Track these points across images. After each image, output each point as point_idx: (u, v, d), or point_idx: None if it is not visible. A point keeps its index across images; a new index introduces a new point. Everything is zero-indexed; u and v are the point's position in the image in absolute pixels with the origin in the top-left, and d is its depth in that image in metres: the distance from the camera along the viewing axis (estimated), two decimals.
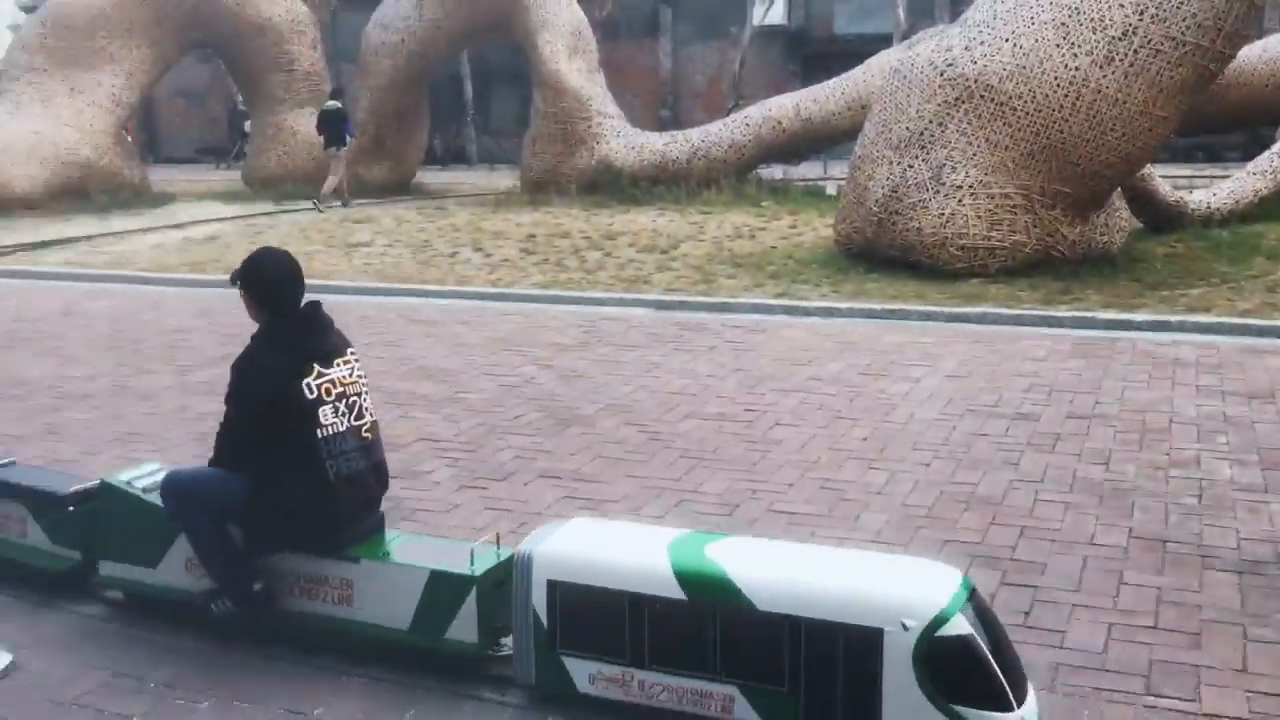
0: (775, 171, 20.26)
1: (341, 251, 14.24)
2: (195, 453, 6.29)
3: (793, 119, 18.19)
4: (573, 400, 7.27)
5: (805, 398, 7.20)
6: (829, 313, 9.89)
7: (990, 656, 3.10)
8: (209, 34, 22.26)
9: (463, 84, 31.88)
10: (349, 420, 4.01)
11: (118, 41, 20.54)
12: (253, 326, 4.18)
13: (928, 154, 10.96)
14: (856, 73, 18.17)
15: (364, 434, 4.07)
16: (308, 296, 4.28)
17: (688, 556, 3.45)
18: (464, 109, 32.22)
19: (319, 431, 3.91)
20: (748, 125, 18.57)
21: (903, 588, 3.20)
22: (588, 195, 18.50)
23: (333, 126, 19.74)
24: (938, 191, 10.84)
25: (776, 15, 30.38)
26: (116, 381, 8.00)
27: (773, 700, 3.29)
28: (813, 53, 31.31)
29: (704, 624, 3.34)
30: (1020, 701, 3.09)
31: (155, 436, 6.61)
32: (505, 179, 22.88)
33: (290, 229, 16.57)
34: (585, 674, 3.52)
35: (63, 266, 13.64)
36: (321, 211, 18.72)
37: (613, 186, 18.50)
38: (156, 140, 37.84)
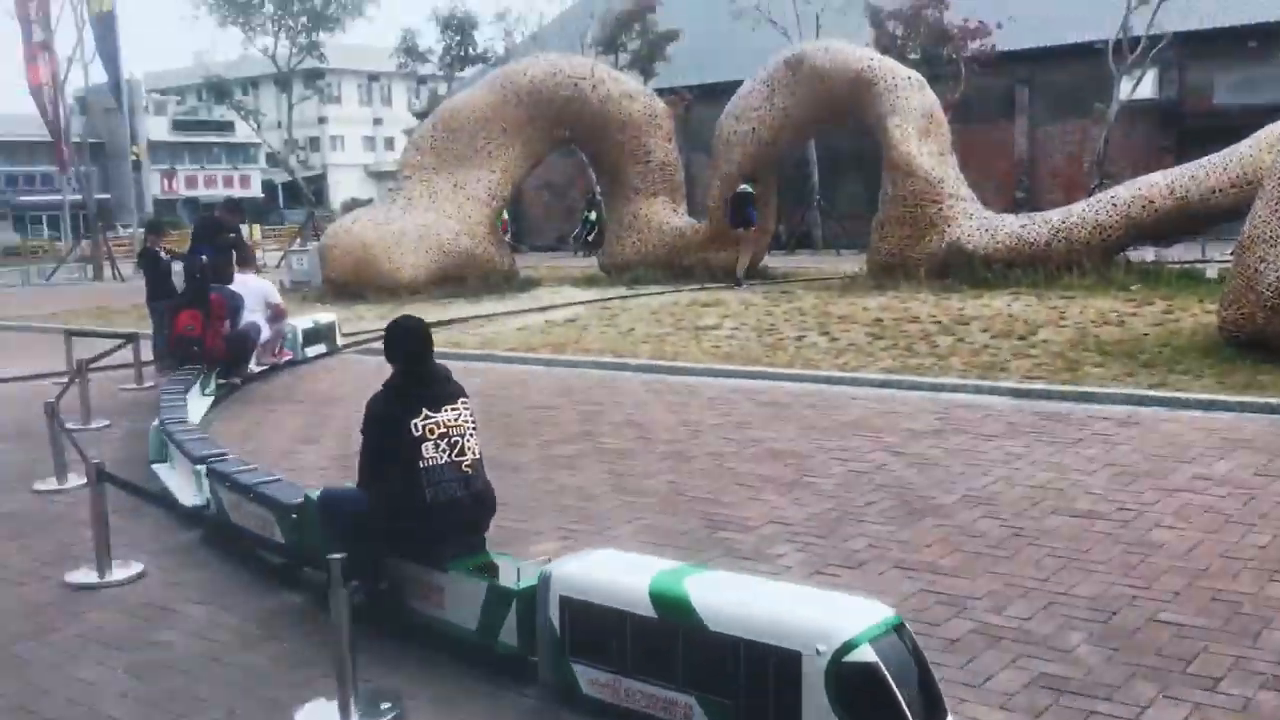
0: (1145, 254, 18.94)
1: (690, 334, 14.63)
2: (557, 522, 6.59)
3: (1166, 198, 16.96)
4: (927, 489, 7.00)
5: (1189, 498, 6.55)
6: (1213, 406, 9.00)
7: (896, 686, 3.44)
8: (575, 130, 23.87)
9: (809, 169, 32.25)
10: (449, 455, 4.88)
11: (495, 141, 22.43)
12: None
13: None
14: (1243, 147, 16.71)
15: (464, 468, 4.94)
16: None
17: (665, 582, 4.01)
18: (810, 194, 32.54)
19: (420, 463, 4.81)
20: (1114, 205, 17.49)
21: (827, 618, 3.63)
22: (937, 279, 18.05)
23: (739, 209, 21.15)
24: None
25: (1146, 89, 28.65)
26: (487, 454, 8.52)
27: (722, 711, 3.74)
28: (1188, 128, 29.22)
29: (671, 640, 3.86)
30: None
31: (521, 506, 6.97)
32: (851, 263, 22.81)
33: (641, 311, 17.26)
34: (587, 678, 4.13)
35: (441, 346, 14.80)
36: (740, 287, 20.33)
37: (964, 270, 17.95)
38: (522, 229, 40.84)
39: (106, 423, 10.32)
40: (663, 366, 12.34)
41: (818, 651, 3.49)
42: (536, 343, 14.55)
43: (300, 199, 40.35)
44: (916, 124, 19.05)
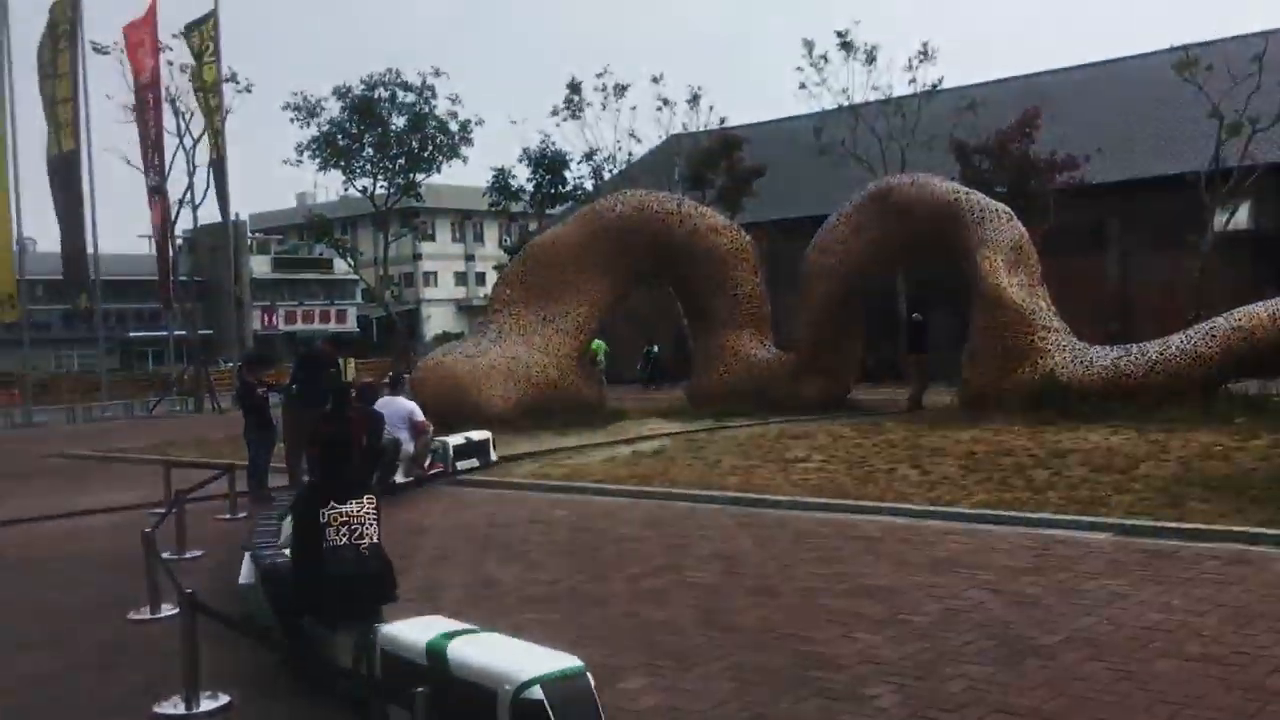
0: (1249, 386, 18.39)
1: (779, 466, 14.48)
2: (643, 658, 6.46)
3: (1268, 328, 16.54)
4: (1027, 629, 6.73)
5: None
6: None
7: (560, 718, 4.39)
8: (662, 264, 24.25)
9: (896, 300, 32.20)
10: (349, 539, 6.01)
11: (584, 275, 22.88)
12: None
13: None
14: None
15: (362, 550, 6.04)
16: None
17: (437, 640, 5.11)
18: (897, 325, 32.39)
19: (324, 544, 5.98)
20: (1214, 336, 17.10)
21: (518, 664, 4.64)
22: (1030, 412, 17.69)
23: (916, 336, 23.58)
24: None
25: (1241, 221, 28.25)
26: (574, 586, 8.48)
27: None
28: None
29: (434, 682, 4.76)
30: None
31: (605, 640, 6.86)
32: (941, 395, 22.51)
33: (727, 443, 17.18)
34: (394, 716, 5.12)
35: (529, 478, 14.92)
36: (919, 408, 21.62)
37: (1058, 402, 17.59)
38: (611, 362, 41.23)
39: (200, 552, 10.49)
40: (751, 499, 12.20)
41: (505, 689, 4.51)
42: (623, 474, 14.53)
43: (394, 333, 41.33)
44: (1005, 255, 18.98)
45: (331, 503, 6.06)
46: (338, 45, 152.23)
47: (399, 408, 14.58)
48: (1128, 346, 18.70)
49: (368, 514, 6.13)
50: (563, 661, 4.69)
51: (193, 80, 33.81)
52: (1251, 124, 24.59)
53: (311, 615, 6.28)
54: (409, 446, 14.41)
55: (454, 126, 36.50)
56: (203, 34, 33.50)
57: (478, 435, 16.62)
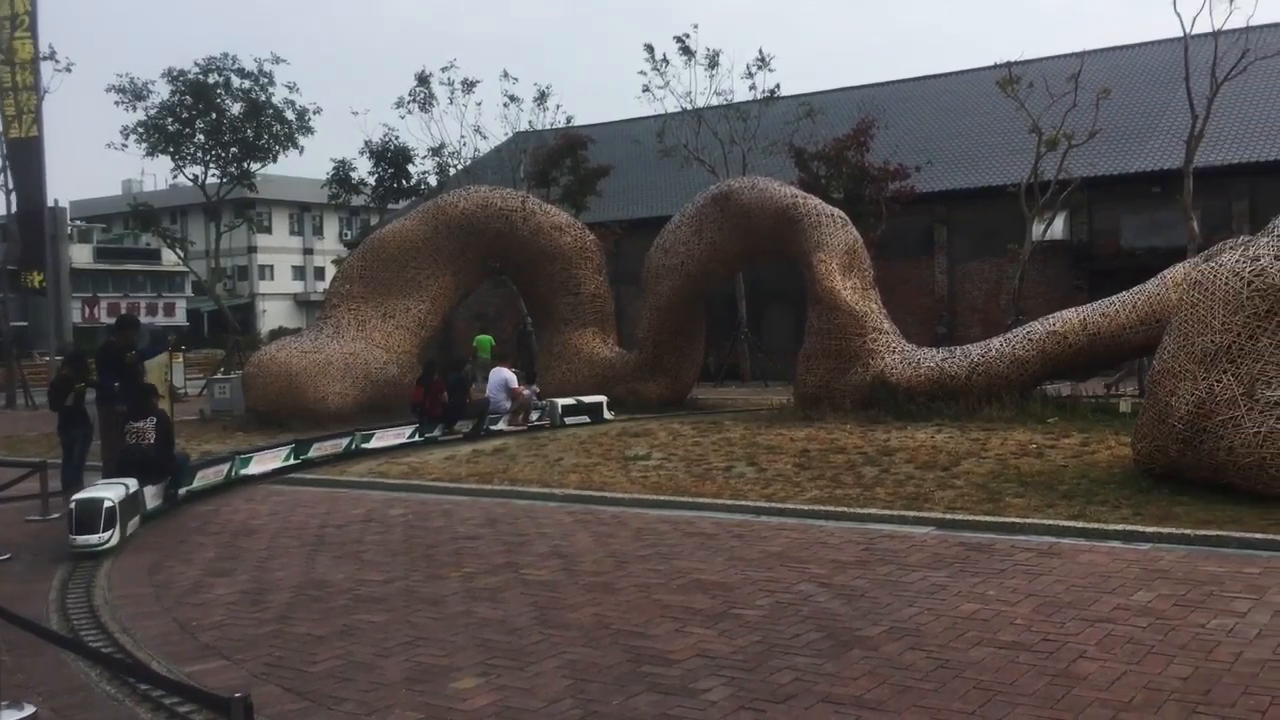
0: (1062, 388, 19.42)
1: (619, 464, 14.57)
2: (478, 658, 6.40)
3: (1080, 333, 17.52)
4: (853, 620, 6.94)
5: (1111, 629, 6.58)
6: (1132, 536, 9.13)
7: None
8: (506, 261, 24.11)
9: (737, 302, 32.84)
10: (136, 440, 11.66)
11: (426, 271, 22.56)
12: None
13: (1238, 368, 10.21)
14: (1150, 285, 17.41)
15: (144, 446, 11.70)
16: None
17: None
18: (738, 326, 33.06)
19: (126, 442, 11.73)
20: (1031, 340, 18.01)
21: None
22: (862, 411, 18.31)
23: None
24: (1251, 408, 10.01)
25: (1057, 231, 29.84)
26: (408, 585, 8.34)
27: None
28: (1098, 267, 30.41)
29: None
30: None
31: (441, 640, 6.77)
32: (778, 395, 23.04)
33: (569, 442, 17.19)
34: None
35: (365, 476, 14.61)
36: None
37: (888, 402, 18.24)
38: (453, 360, 40.76)
39: (8, 555, 9.90)
40: (590, 497, 12.24)
41: None
42: (463, 473, 14.38)
43: (226, 328, 39.88)
44: (840, 259, 19.56)
45: (129, 423, 11.89)
46: (167, 29, 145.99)
47: (499, 377, 20.14)
48: (953, 349, 19.52)
49: (148, 429, 11.94)
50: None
51: (2, 54, 31.82)
52: (1067, 139, 25.98)
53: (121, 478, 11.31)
54: (505, 404, 19.70)
55: (291, 115, 35.40)
56: (14, 4, 31.55)
57: (590, 398, 20.98)
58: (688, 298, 22.34)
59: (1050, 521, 9.74)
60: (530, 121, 37.44)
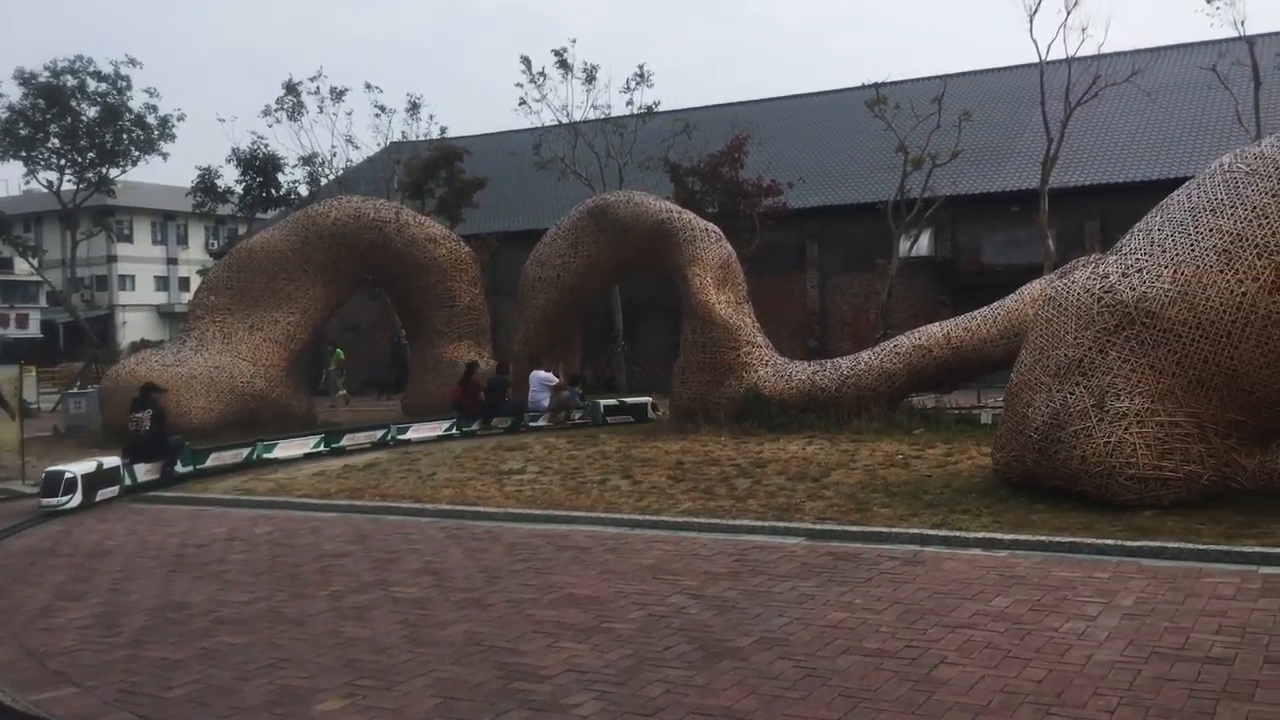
0: (927, 399, 19.99)
1: (493, 478, 14.46)
2: (344, 679, 6.26)
3: (944, 347, 18.06)
4: (724, 632, 7.01)
5: (971, 634, 6.78)
6: (991, 544, 9.44)
7: None
8: (379, 273, 23.73)
9: (614, 316, 32.94)
10: (135, 428, 15.08)
11: (296, 282, 22.04)
12: None
13: (1089, 381, 10.66)
14: (1009, 301, 18.06)
15: (139, 432, 15.04)
16: None
17: None
18: (615, 339, 33.16)
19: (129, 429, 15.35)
20: (898, 353, 18.50)
21: None
22: (736, 423, 18.53)
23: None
24: (1102, 419, 10.46)
25: (923, 248, 30.75)
26: (272, 606, 8.11)
27: None
28: (961, 283, 31.42)
29: None
30: None
31: (305, 662, 6.60)
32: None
33: (443, 456, 16.98)
34: None
35: (230, 493, 14.18)
36: None
37: (761, 414, 18.50)
38: (326, 373, 39.90)
39: None
40: (464, 511, 12.11)
41: None
42: (332, 489, 14.07)
43: (83, 340, 38.26)
44: (714, 273, 19.79)
45: (133, 416, 14.86)
46: (19, 31, 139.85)
47: (539, 377, 21.54)
48: (823, 362, 19.92)
49: (145, 419, 14.96)
50: None
51: None
52: (932, 159, 26.82)
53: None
54: (544, 401, 21.42)
55: (152, 120, 34.21)
56: None
57: (633, 399, 22.98)
58: (564, 310, 22.33)
59: (915, 530, 10.01)
60: (404, 132, 37.01)
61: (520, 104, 35.41)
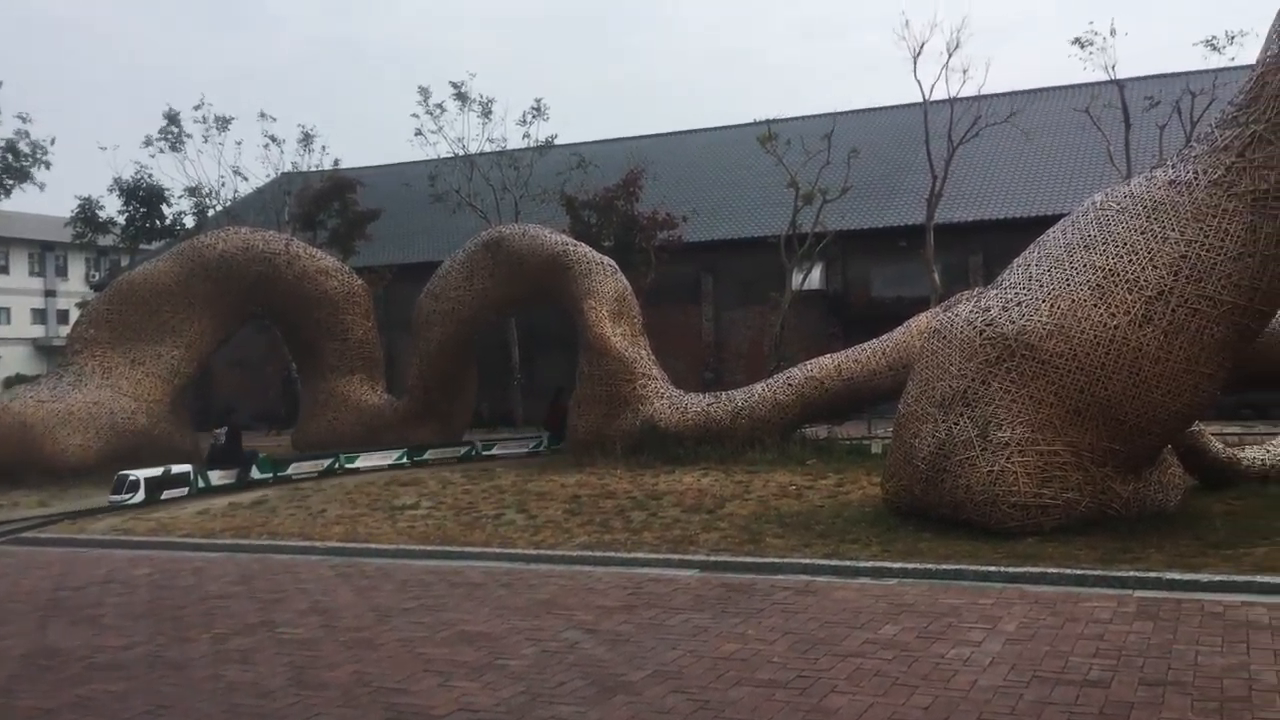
0: (820, 430, 20.30)
1: (386, 514, 14.23)
2: None
3: (835, 379, 18.40)
4: (618, 666, 6.99)
5: (860, 663, 6.88)
6: (881, 573, 9.61)
7: None
8: (268, 306, 23.24)
9: (511, 349, 32.80)
10: (214, 443, 18.70)
11: (181, 315, 21.46)
12: None
13: (972, 411, 10.95)
14: (897, 333, 18.49)
15: (216, 445, 18.56)
16: None
17: None
18: (511, 372, 33.00)
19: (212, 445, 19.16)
20: (790, 385, 18.77)
21: None
22: (633, 455, 18.57)
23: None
24: (985, 449, 10.76)
25: (815, 281, 31.32)
26: (151, 650, 7.83)
27: None
28: (852, 316, 32.07)
29: None
30: None
31: (186, 708, 6.39)
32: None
33: (334, 492, 16.66)
34: None
35: (107, 534, 13.69)
36: None
37: (657, 447, 18.58)
38: (210, 409, 38.91)
39: None
40: (354, 549, 11.88)
41: None
42: (217, 527, 13.68)
43: None
44: (610, 306, 19.86)
45: (214, 431, 18.25)
46: None
47: None
48: (718, 394, 20.11)
49: (221, 434, 18.26)
50: None
51: None
52: (822, 195, 27.41)
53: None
54: None
55: (25, 147, 33.06)
56: None
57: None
58: (459, 343, 22.15)
59: (807, 560, 10.14)
60: (295, 163, 36.43)
61: (416, 135, 35.31)
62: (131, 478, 16.21)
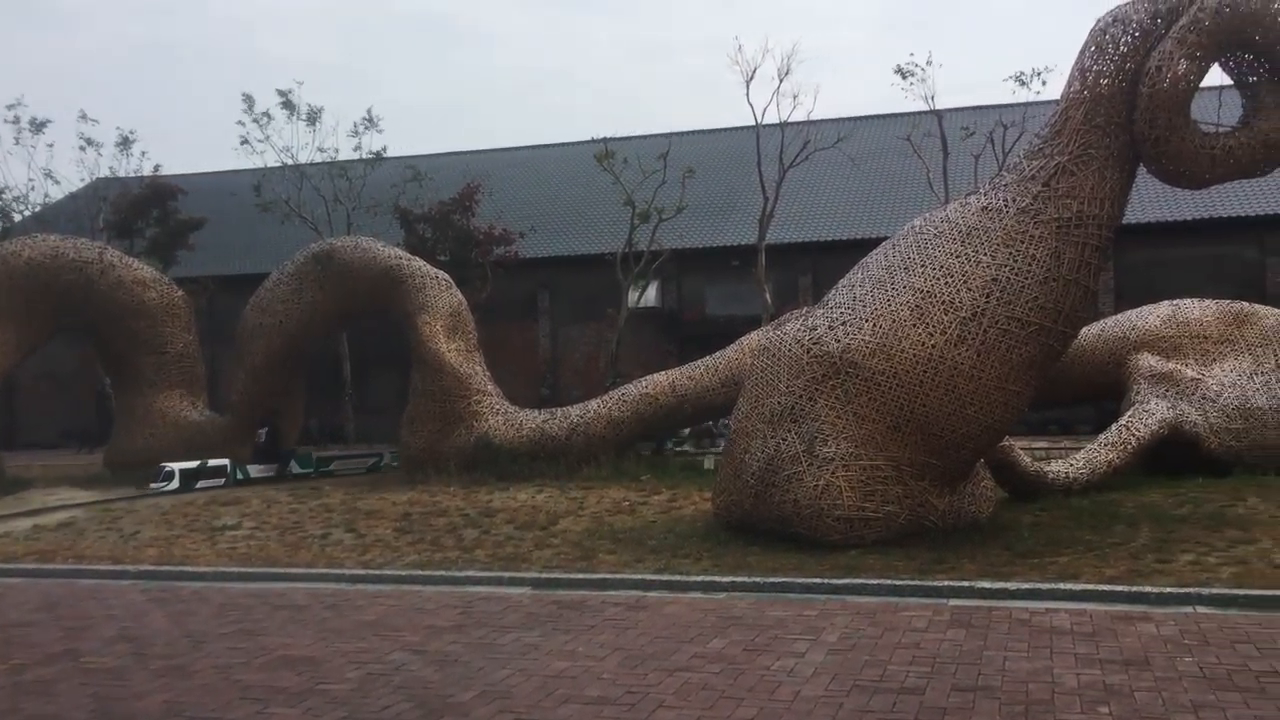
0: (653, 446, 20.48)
1: (204, 536, 13.67)
2: None
3: (669, 395, 18.60)
4: (445, 687, 6.87)
5: (688, 677, 6.95)
6: (710, 587, 9.74)
7: None
8: (80, 317, 22.06)
9: (341, 364, 32.01)
10: (259, 442, 21.01)
11: None
12: None
13: (800, 427, 11.23)
14: (729, 351, 18.83)
15: (259, 442, 20.79)
16: None
17: None
18: (342, 388, 32.19)
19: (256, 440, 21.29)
20: (625, 402, 18.89)
21: None
22: (467, 472, 18.34)
23: None
24: (811, 464, 11.04)
25: (650, 298, 31.65)
26: None
27: None
28: (686, 333, 32.52)
29: None
30: None
31: None
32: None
33: (149, 513, 15.90)
34: None
35: None
36: None
37: (492, 463, 18.40)
38: (16, 425, 36.64)
39: None
40: (169, 572, 11.37)
41: None
42: (19, 551, 12.89)
43: None
44: (444, 321, 19.60)
45: (258, 432, 19.92)
46: None
47: None
48: (554, 410, 20.07)
49: (263, 433, 20.15)
50: None
51: None
52: (658, 213, 27.74)
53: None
54: None
55: None
56: None
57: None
58: (286, 358, 21.47)
59: (639, 576, 10.20)
60: (112, 168, 34.71)
61: (242, 143, 34.01)
62: (168, 469, 18.62)
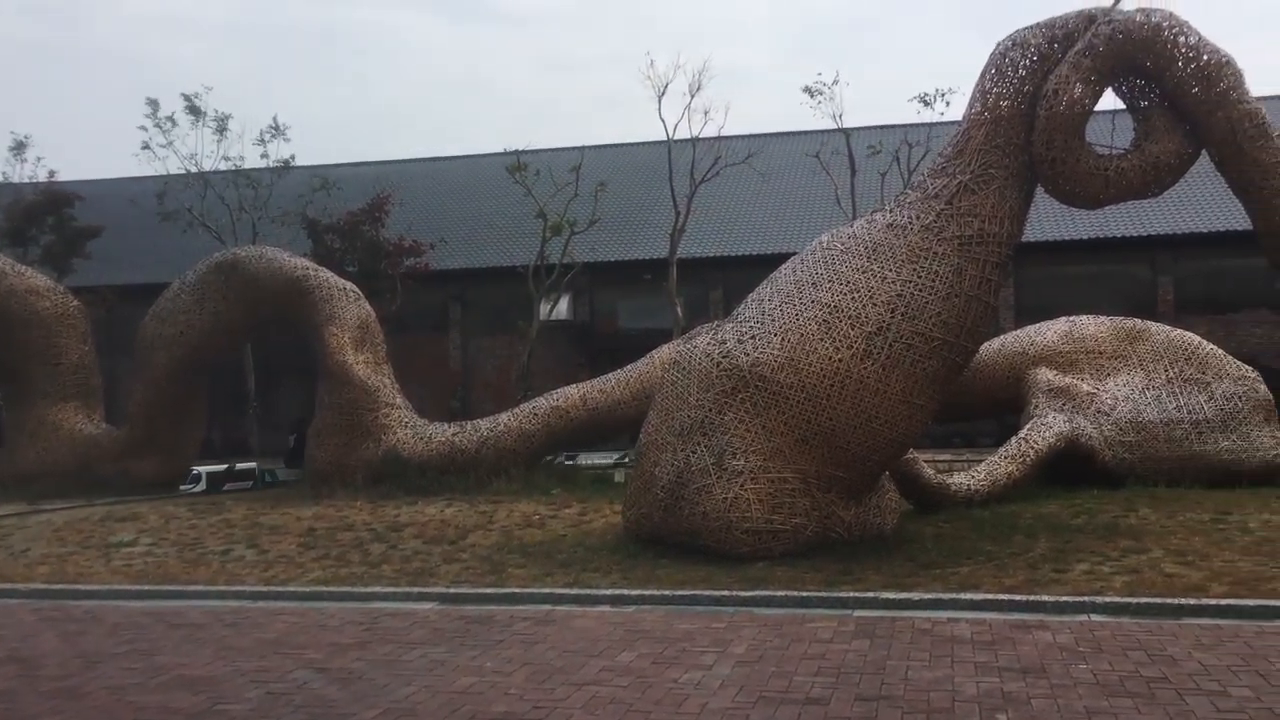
0: (564, 460, 20.43)
1: (99, 553, 13.25)
2: None
3: (580, 409, 18.59)
4: (348, 706, 6.74)
5: (596, 691, 6.92)
6: (619, 600, 9.73)
7: None
8: None
9: (246, 376, 31.36)
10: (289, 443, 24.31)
11: None
12: None
13: (709, 440, 11.30)
14: (640, 364, 18.89)
15: (289, 449, 24.19)
16: None
17: None
18: (246, 400, 31.54)
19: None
20: (536, 415, 18.82)
21: None
22: (375, 486, 18.08)
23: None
24: (720, 476, 11.11)
25: (562, 311, 31.61)
26: None
27: None
28: (598, 346, 32.55)
29: None
30: None
31: None
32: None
33: (40, 529, 15.36)
34: None
35: None
36: None
37: (400, 477, 18.17)
38: None
39: None
40: (61, 591, 10.99)
41: None
42: None
43: None
44: (352, 333, 19.32)
45: (290, 436, 22.53)
46: None
47: None
48: (464, 424, 19.90)
49: (292, 439, 22.06)
50: None
51: None
52: (570, 226, 27.77)
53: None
54: None
55: None
56: None
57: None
58: (187, 369, 20.94)
59: (548, 590, 10.14)
60: (4, 173, 33.62)
61: (144, 149, 33.15)
62: (194, 471, 19.72)
